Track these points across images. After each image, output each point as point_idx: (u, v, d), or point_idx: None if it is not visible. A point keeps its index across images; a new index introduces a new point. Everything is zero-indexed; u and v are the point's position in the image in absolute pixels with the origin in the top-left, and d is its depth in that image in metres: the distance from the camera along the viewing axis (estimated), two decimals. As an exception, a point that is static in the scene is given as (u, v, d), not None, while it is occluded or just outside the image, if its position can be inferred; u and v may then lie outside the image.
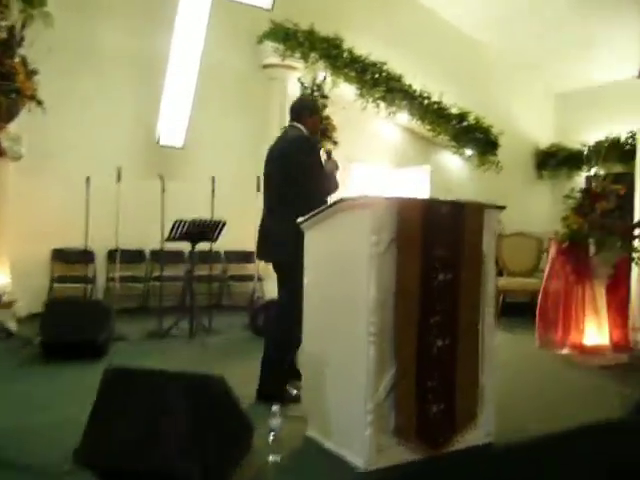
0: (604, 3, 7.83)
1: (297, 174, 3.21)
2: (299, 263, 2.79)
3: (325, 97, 7.23)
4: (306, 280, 2.71)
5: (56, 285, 6.25)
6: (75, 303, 5.36)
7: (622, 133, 9.33)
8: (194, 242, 5.23)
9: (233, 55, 7.41)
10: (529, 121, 10.68)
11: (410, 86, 8.31)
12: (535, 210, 9.78)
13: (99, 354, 4.28)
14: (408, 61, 8.40)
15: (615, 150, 9.02)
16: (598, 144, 9.76)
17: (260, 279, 7.19)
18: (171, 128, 6.59)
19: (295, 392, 3.27)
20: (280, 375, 3.28)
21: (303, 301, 2.76)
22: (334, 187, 3.42)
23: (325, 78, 7.33)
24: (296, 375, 3.30)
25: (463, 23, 9.25)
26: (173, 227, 5.03)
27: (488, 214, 2.57)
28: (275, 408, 2.44)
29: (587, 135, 10.23)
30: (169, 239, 5.11)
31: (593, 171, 9.94)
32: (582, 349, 4.62)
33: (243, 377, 3.20)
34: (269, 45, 7.37)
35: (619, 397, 3.65)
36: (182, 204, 6.07)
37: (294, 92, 7.44)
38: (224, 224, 5.29)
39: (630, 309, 5.00)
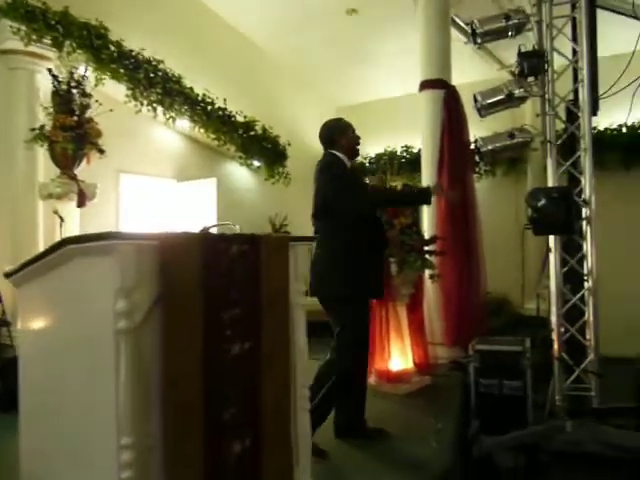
0: (379, 24, 8.06)
1: (319, 195, 3.21)
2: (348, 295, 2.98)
3: (87, 96, 5.92)
4: (21, 369, 1.68)
5: None
6: None
7: (397, 147, 9.87)
8: None
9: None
10: (314, 133, 10.61)
11: (192, 89, 7.43)
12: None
13: None
14: (187, 63, 7.52)
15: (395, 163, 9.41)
16: (378, 156, 10.14)
17: (7, 323, 5.62)
18: None
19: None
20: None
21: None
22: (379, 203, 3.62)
23: (86, 72, 6.02)
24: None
25: (247, 30, 8.75)
26: None
27: (294, 250, 1.85)
28: None
29: (368, 148, 10.62)
30: None
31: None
32: (388, 377, 4.28)
33: None
34: (7, 25, 5.79)
35: (434, 434, 3.36)
36: None
37: (46, 87, 6.01)
38: None
39: (426, 325, 4.89)
